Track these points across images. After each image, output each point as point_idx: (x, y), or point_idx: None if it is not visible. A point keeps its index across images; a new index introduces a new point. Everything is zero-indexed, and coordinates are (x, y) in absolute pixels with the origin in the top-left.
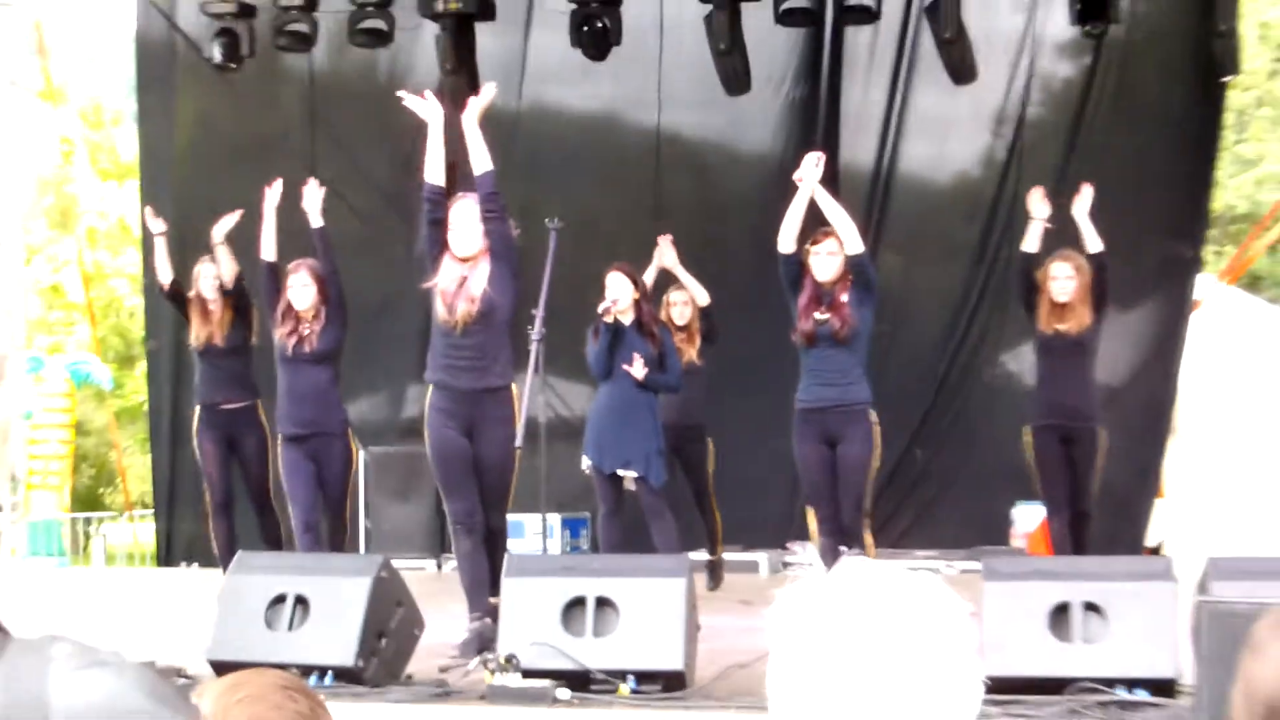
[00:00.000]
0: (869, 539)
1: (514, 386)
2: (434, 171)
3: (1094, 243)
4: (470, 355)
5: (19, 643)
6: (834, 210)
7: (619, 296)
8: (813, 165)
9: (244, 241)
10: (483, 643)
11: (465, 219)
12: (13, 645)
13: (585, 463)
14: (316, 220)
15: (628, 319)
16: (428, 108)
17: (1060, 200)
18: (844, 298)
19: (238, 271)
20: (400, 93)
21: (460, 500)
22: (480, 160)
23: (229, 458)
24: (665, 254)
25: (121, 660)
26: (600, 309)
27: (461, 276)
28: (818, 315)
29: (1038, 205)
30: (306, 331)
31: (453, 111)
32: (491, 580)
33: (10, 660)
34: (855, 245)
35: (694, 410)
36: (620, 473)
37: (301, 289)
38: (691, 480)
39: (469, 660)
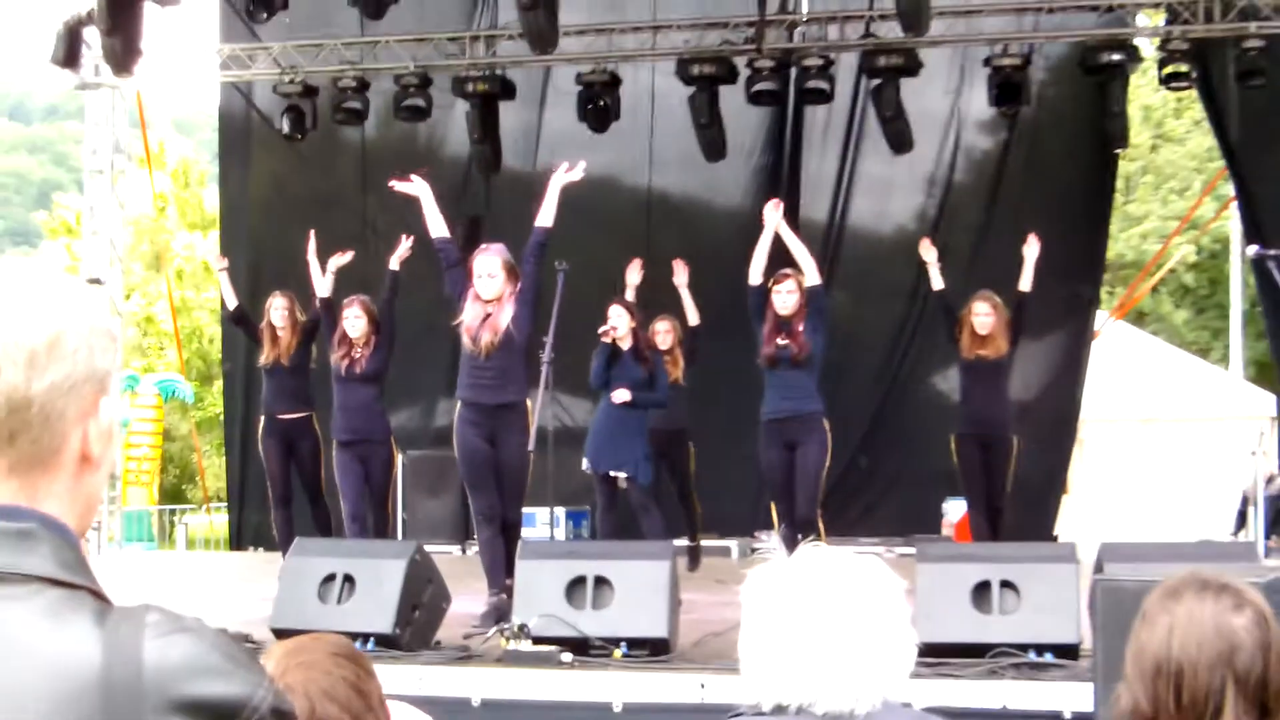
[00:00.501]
0: (821, 528)
1: (528, 402)
2: (436, 228)
3: (1026, 282)
4: (491, 376)
5: (118, 610)
6: (796, 245)
7: (618, 324)
8: (773, 209)
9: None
10: (499, 614)
11: (488, 269)
12: (114, 612)
13: (585, 464)
14: (395, 265)
15: (625, 345)
16: (414, 186)
17: (985, 250)
18: (800, 327)
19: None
20: (392, 182)
21: (483, 496)
22: (547, 216)
23: (288, 459)
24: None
25: (202, 625)
26: (600, 331)
27: (485, 314)
28: (779, 342)
29: (927, 250)
30: (357, 355)
31: (479, 175)
32: (507, 563)
33: (112, 625)
34: (813, 278)
35: (678, 419)
36: (613, 474)
37: (354, 320)
38: (676, 479)
39: (488, 629)
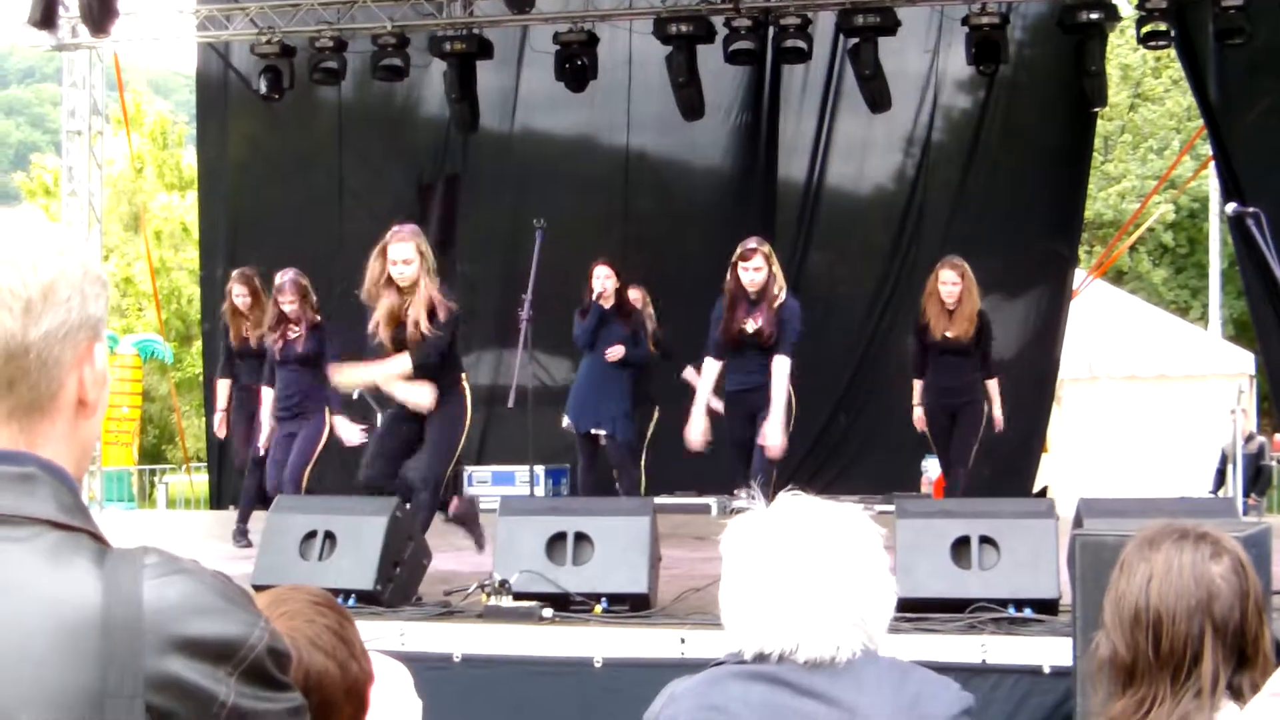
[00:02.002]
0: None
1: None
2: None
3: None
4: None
5: (117, 552)
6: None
7: (605, 286)
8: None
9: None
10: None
11: (403, 254)
12: (113, 554)
13: (565, 422)
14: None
15: (608, 304)
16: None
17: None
18: (774, 307)
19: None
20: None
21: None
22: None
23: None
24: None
25: (199, 567)
26: (595, 295)
27: (401, 307)
28: (746, 327)
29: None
30: (293, 336)
31: (457, 134)
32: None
33: (111, 566)
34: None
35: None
36: (593, 431)
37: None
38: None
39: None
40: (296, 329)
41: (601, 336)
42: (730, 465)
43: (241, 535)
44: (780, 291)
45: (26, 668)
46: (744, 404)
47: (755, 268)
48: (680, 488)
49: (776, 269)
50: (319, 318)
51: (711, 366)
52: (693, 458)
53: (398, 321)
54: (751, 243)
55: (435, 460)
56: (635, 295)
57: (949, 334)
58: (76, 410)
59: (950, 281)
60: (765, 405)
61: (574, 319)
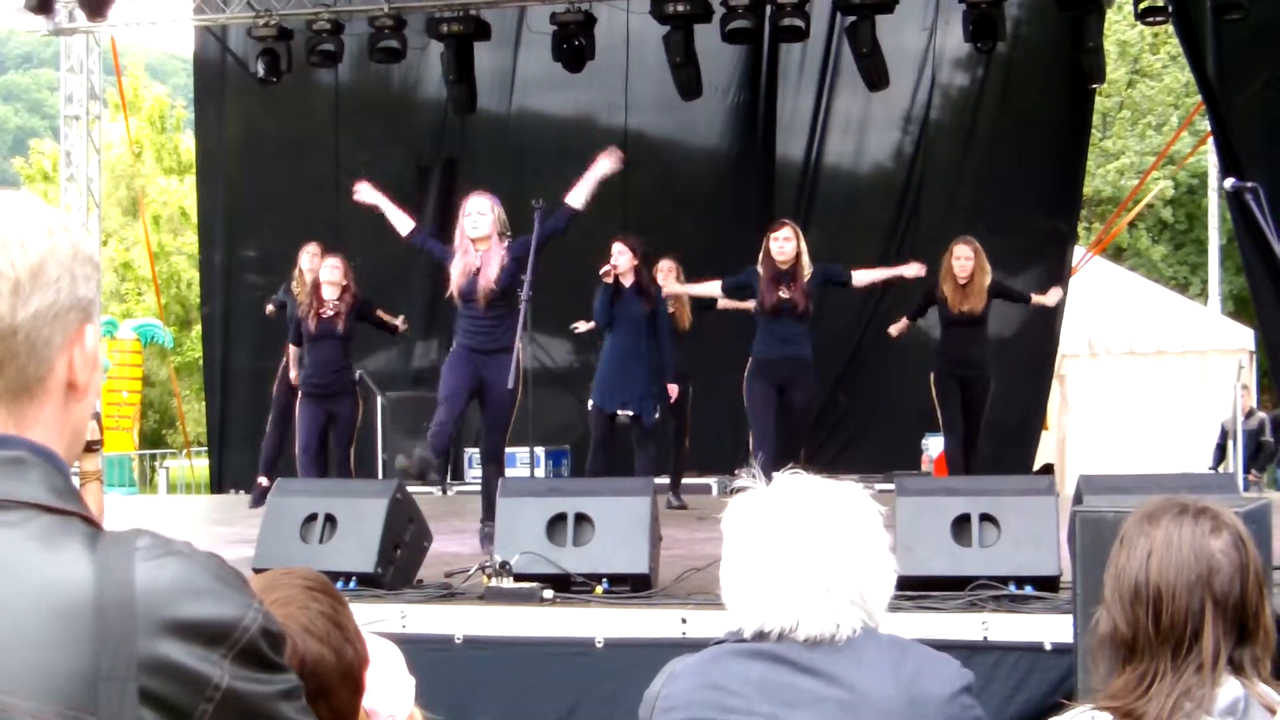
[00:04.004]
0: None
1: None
2: (403, 225)
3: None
4: (487, 327)
5: (109, 535)
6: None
7: (619, 262)
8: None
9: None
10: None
11: (478, 207)
12: (105, 537)
13: (591, 404)
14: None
15: (627, 281)
16: (366, 196)
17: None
18: (805, 279)
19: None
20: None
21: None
22: (578, 197)
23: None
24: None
25: (192, 549)
26: (602, 271)
27: (475, 267)
28: (781, 294)
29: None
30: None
31: (455, 116)
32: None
33: (103, 549)
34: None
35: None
36: (620, 413)
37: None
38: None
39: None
40: (336, 305)
41: (620, 314)
42: (756, 430)
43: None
44: (808, 268)
45: (18, 652)
46: (773, 374)
47: (785, 238)
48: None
49: (804, 246)
50: (359, 296)
51: (710, 286)
52: (694, 438)
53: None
54: (784, 219)
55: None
56: (668, 265)
57: (964, 308)
58: (67, 393)
59: (964, 257)
60: (796, 381)
61: (596, 295)
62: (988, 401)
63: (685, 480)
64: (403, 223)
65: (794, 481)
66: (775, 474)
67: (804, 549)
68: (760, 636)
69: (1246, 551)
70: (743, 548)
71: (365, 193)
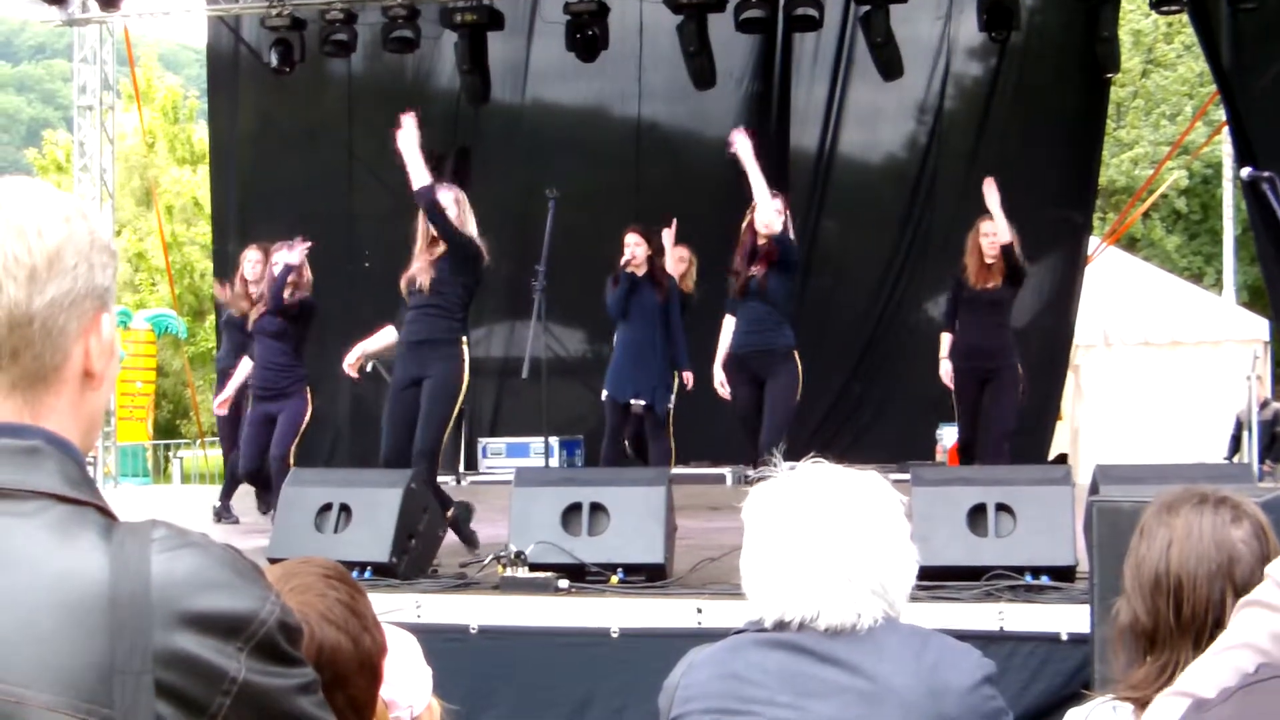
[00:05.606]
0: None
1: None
2: (419, 178)
3: (1004, 232)
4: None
5: (125, 525)
6: (757, 179)
7: (636, 253)
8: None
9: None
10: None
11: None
12: (120, 528)
13: (605, 395)
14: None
15: (640, 272)
16: (404, 133)
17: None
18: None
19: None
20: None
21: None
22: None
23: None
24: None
25: (209, 541)
26: (623, 263)
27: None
28: (750, 273)
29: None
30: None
31: (469, 106)
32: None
33: (118, 540)
34: (774, 223)
35: None
36: (633, 403)
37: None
38: None
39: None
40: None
41: (633, 304)
42: (747, 437)
43: (227, 511)
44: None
45: (33, 644)
46: (747, 368)
47: (777, 210)
48: (695, 458)
49: (790, 226)
50: (307, 295)
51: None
52: (707, 428)
53: None
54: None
55: (429, 430)
56: (682, 253)
57: (988, 285)
58: (83, 381)
59: (990, 233)
60: (772, 372)
61: (606, 287)
62: (1017, 393)
63: (699, 470)
64: (420, 176)
65: (815, 471)
66: (766, 458)
67: (825, 538)
68: (781, 626)
69: (1267, 541)
70: (764, 537)
71: (407, 129)
